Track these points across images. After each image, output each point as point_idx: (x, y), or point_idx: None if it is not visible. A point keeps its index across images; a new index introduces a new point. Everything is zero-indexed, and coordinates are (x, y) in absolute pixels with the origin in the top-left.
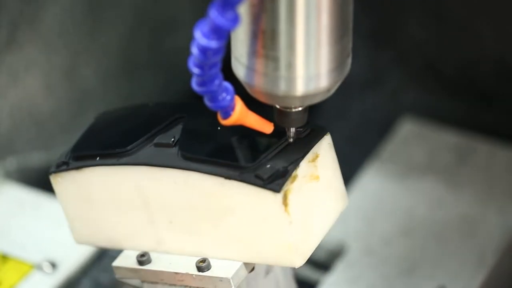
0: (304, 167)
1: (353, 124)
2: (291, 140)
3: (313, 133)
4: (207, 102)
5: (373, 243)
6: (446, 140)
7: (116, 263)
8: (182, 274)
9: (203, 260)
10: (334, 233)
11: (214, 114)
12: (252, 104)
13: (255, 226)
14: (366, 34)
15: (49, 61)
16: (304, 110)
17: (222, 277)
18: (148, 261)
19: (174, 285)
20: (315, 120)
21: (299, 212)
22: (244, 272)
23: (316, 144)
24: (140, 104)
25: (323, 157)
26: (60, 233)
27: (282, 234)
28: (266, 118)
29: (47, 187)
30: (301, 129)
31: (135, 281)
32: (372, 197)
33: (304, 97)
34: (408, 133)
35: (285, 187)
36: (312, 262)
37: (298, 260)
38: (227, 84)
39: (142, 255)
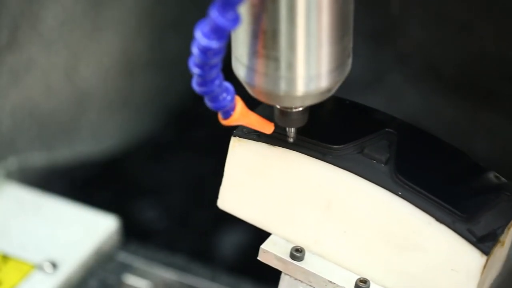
0: (504, 233)
1: None
2: (291, 140)
3: None
4: (207, 102)
5: None
6: None
7: (266, 246)
8: (337, 285)
9: (365, 281)
10: None
11: (427, 142)
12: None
13: (439, 271)
14: (366, 34)
15: (50, 61)
16: (305, 110)
17: None
18: (302, 258)
19: None
20: None
21: (485, 275)
22: None
23: None
24: (338, 98)
25: None
26: (60, 233)
27: None
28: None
29: (47, 187)
30: (509, 194)
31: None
32: None
33: (305, 97)
34: None
35: (491, 251)
36: None
37: None
38: (227, 84)
39: (298, 249)
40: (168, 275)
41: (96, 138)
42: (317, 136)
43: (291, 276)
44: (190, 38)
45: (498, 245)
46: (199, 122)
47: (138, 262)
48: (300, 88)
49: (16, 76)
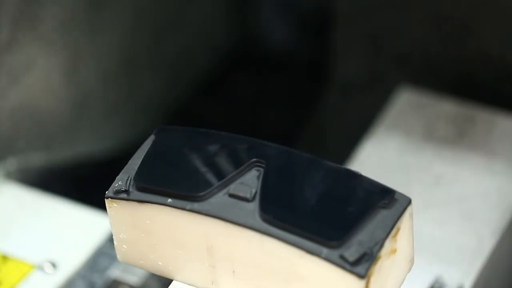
0: (386, 245)
1: (353, 124)
2: None
3: (397, 204)
4: None
5: None
6: (445, 110)
7: None
8: None
9: None
10: None
11: (295, 164)
12: (258, 104)
13: None
14: (366, 34)
15: (49, 62)
16: None
17: None
18: None
19: None
20: (316, 120)
21: None
22: None
23: (400, 218)
24: (206, 131)
25: (403, 229)
26: (60, 233)
27: None
28: (271, 122)
29: (47, 187)
30: (386, 201)
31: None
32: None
33: None
34: (406, 104)
35: (369, 271)
36: None
37: None
38: None
39: None
40: None
41: (95, 138)
42: (184, 185)
43: None
44: (189, 37)
45: (384, 258)
46: (199, 122)
47: None
48: None
49: (16, 77)
